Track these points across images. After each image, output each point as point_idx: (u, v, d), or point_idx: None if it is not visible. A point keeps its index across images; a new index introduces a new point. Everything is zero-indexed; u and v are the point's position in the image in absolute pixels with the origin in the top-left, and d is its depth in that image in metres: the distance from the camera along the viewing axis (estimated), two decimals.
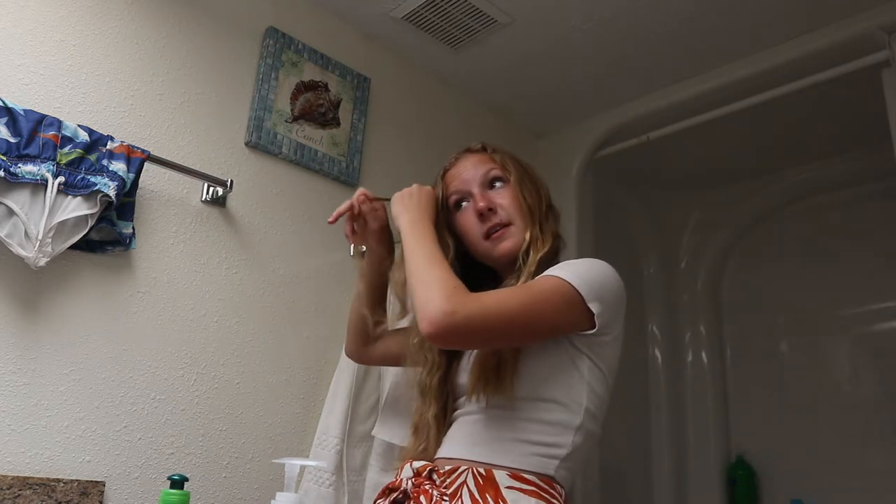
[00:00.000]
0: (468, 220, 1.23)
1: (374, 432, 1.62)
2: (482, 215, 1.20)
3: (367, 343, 1.40)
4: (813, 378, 2.64)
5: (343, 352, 1.75)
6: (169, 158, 1.58)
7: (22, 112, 1.35)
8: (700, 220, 3.03)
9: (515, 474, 1.05)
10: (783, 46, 2.05)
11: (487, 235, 1.20)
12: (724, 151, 2.64)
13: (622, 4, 1.93)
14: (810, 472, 2.53)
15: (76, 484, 1.34)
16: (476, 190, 1.23)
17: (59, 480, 1.32)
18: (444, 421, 1.18)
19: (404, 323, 1.34)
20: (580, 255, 2.33)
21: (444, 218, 1.26)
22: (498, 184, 1.24)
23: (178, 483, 1.24)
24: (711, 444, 2.77)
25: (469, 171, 1.25)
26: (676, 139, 2.31)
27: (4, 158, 1.30)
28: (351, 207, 1.31)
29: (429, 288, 1.02)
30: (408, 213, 1.19)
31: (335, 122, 1.95)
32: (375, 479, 1.61)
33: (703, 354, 2.92)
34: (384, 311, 1.38)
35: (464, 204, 1.24)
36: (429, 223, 1.18)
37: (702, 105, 2.20)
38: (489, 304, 1.01)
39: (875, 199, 2.61)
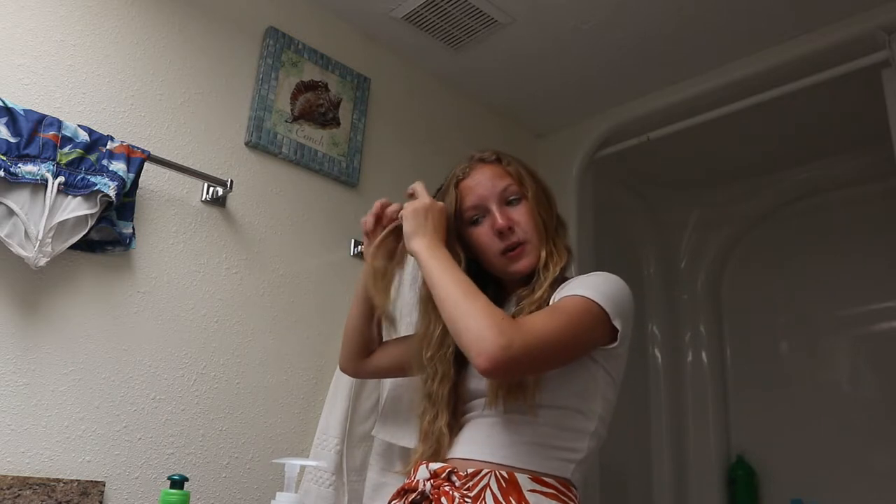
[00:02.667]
0: (485, 235, 1.22)
1: (373, 432, 1.62)
2: (501, 233, 1.20)
3: (363, 357, 1.41)
4: (813, 378, 2.64)
5: None
6: (169, 158, 1.58)
7: (22, 112, 1.35)
8: (700, 220, 3.03)
9: (536, 478, 1.07)
10: (783, 46, 2.05)
11: (504, 252, 1.21)
12: (724, 151, 2.64)
13: (622, 5, 1.93)
14: (810, 472, 2.53)
15: (76, 484, 1.34)
16: (494, 206, 1.22)
17: (59, 480, 1.32)
18: (455, 426, 1.19)
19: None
20: (580, 256, 2.35)
21: (455, 228, 1.25)
22: (515, 200, 1.23)
23: (178, 483, 1.24)
24: (711, 444, 2.77)
25: (486, 186, 1.23)
26: (676, 139, 2.31)
27: (4, 158, 1.30)
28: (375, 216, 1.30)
29: (477, 322, 1.00)
30: (423, 235, 1.16)
31: (335, 122, 1.95)
32: (375, 479, 1.61)
33: (703, 354, 2.92)
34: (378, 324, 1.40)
35: (480, 220, 1.24)
36: (444, 247, 1.16)
37: (702, 105, 2.20)
38: (537, 331, 1.01)
39: (875, 199, 2.61)
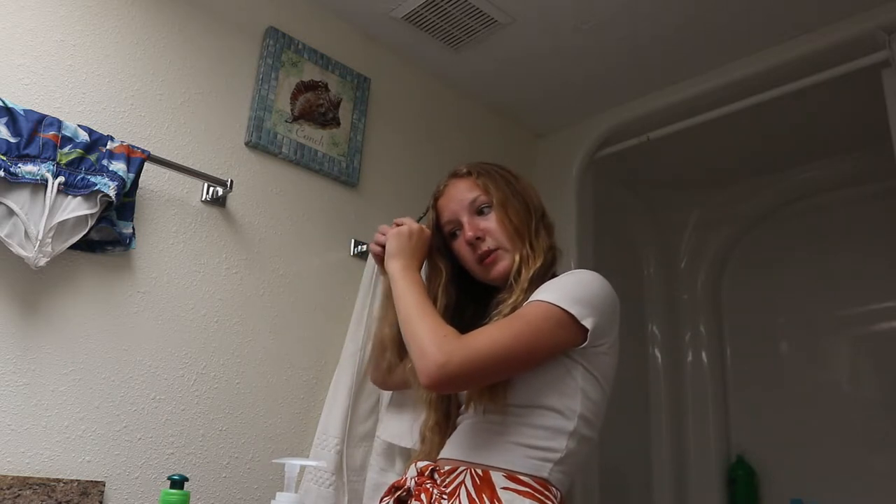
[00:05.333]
0: (462, 247, 1.28)
1: (378, 433, 1.62)
2: (471, 244, 1.25)
3: (390, 370, 1.45)
4: (813, 378, 2.64)
5: (343, 351, 1.76)
6: (169, 158, 1.58)
7: (22, 112, 1.35)
8: (700, 220, 3.03)
9: (511, 475, 1.08)
10: (783, 46, 2.05)
11: (480, 261, 1.26)
12: (724, 151, 2.64)
13: (622, 5, 1.93)
14: (810, 472, 2.53)
15: (76, 484, 1.34)
16: (465, 218, 1.27)
17: (59, 480, 1.32)
18: (445, 428, 1.25)
19: None
20: (580, 257, 2.36)
21: (440, 242, 1.32)
22: (486, 209, 1.27)
23: (178, 483, 1.24)
24: (711, 444, 2.77)
25: (457, 200, 1.29)
26: (676, 139, 2.30)
27: (4, 158, 1.30)
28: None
29: (420, 341, 1.08)
30: (399, 258, 1.25)
31: (335, 122, 1.95)
32: (375, 479, 1.61)
33: (703, 354, 2.91)
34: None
35: (457, 233, 1.29)
36: (417, 271, 1.24)
37: (702, 105, 2.20)
38: (480, 346, 1.05)
39: (875, 199, 2.61)
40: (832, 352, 2.64)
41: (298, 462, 1.17)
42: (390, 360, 1.42)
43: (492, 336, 1.07)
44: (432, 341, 1.06)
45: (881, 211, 2.58)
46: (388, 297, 1.35)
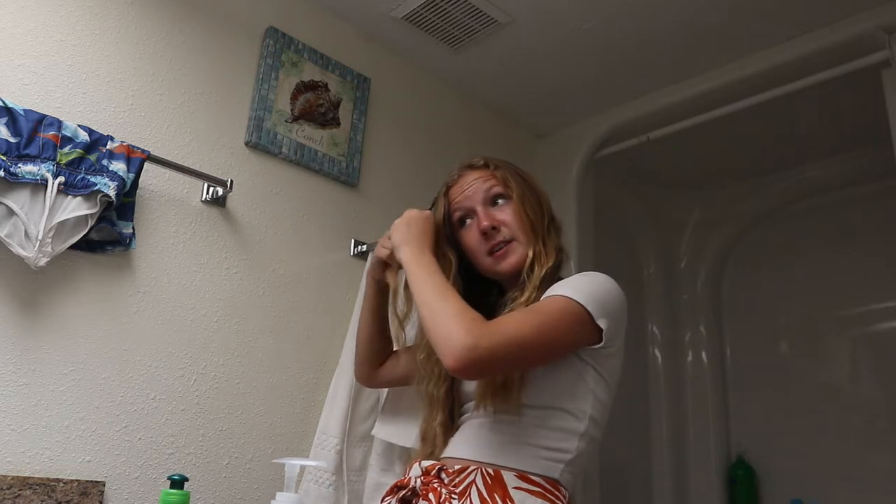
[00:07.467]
0: (472, 237, 1.25)
1: (373, 432, 1.62)
2: (486, 234, 1.22)
3: (376, 366, 1.44)
4: (813, 378, 2.64)
5: (342, 352, 1.76)
6: (169, 158, 1.58)
7: (22, 112, 1.35)
8: (700, 219, 3.03)
9: (523, 475, 1.07)
10: (783, 46, 2.05)
11: (491, 252, 1.23)
12: (724, 151, 2.64)
13: (622, 4, 1.93)
14: (810, 472, 2.53)
15: (76, 484, 1.34)
16: (479, 207, 1.25)
17: (59, 480, 1.32)
18: (450, 428, 1.22)
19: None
20: (580, 256, 2.36)
21: (447, 233, 1.28)
22: (500, 200, 1.25)
23: (178, 483, 1.24)
24: (711, 444, 2.77)
25: (472, 188, 1.27)
26: (676, 139, 2.30)
27: (4, 158, 1.30)
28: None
29: (447, 323, 1.02)
30: (409, 244, 1.20)
31: (335, 122, 1.95)
32: (375, 479, 1.61)
33: (703, 354, 2.92)
34: (389, 333, 1.42)
35: (467, 221, 1.26)
36: (430, 254, 1.19)
37: (702, 105, 2.20)
38: (508, 332, 1.02)
39: (875, 199, 2.61)
40: (832, 352, 2.64)
41: (298, 462, 1.16)
42: (377, 354, 1.41)
43: (517, 324, 1.04)
44: (460, 323, 1.01)
45: (881, 211, 2.58)
46: (380, 293, 1.34)
